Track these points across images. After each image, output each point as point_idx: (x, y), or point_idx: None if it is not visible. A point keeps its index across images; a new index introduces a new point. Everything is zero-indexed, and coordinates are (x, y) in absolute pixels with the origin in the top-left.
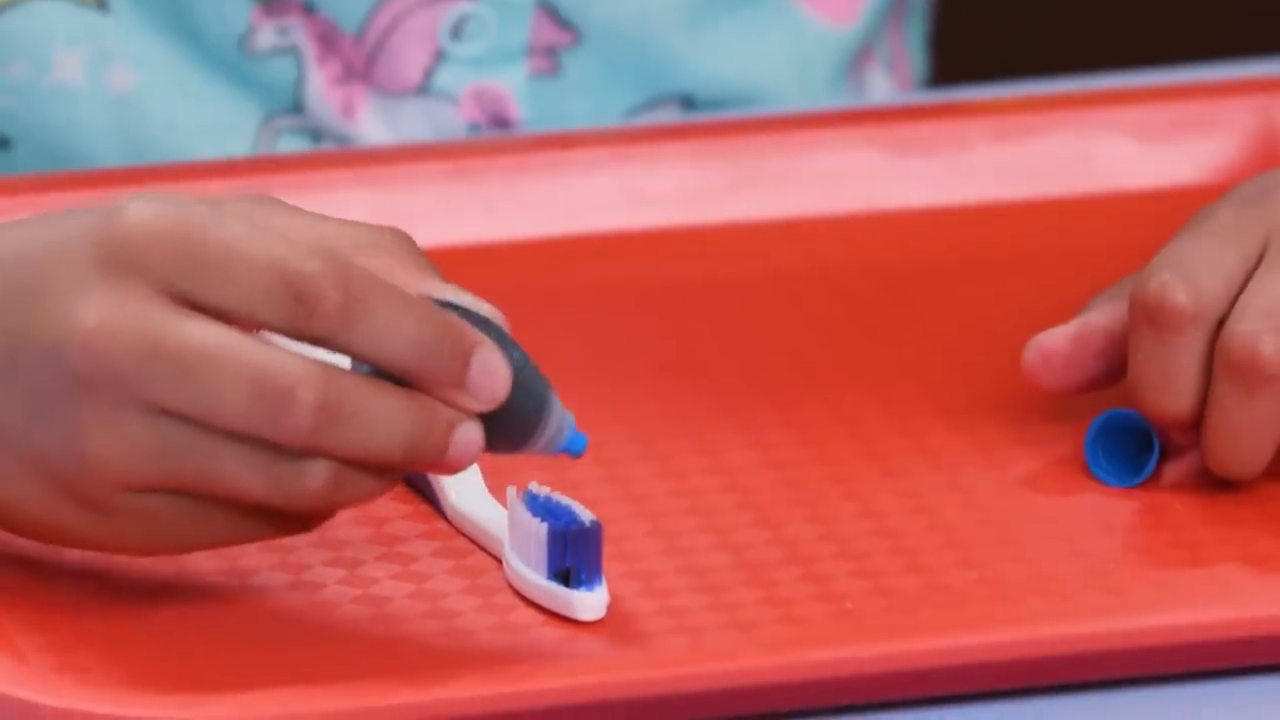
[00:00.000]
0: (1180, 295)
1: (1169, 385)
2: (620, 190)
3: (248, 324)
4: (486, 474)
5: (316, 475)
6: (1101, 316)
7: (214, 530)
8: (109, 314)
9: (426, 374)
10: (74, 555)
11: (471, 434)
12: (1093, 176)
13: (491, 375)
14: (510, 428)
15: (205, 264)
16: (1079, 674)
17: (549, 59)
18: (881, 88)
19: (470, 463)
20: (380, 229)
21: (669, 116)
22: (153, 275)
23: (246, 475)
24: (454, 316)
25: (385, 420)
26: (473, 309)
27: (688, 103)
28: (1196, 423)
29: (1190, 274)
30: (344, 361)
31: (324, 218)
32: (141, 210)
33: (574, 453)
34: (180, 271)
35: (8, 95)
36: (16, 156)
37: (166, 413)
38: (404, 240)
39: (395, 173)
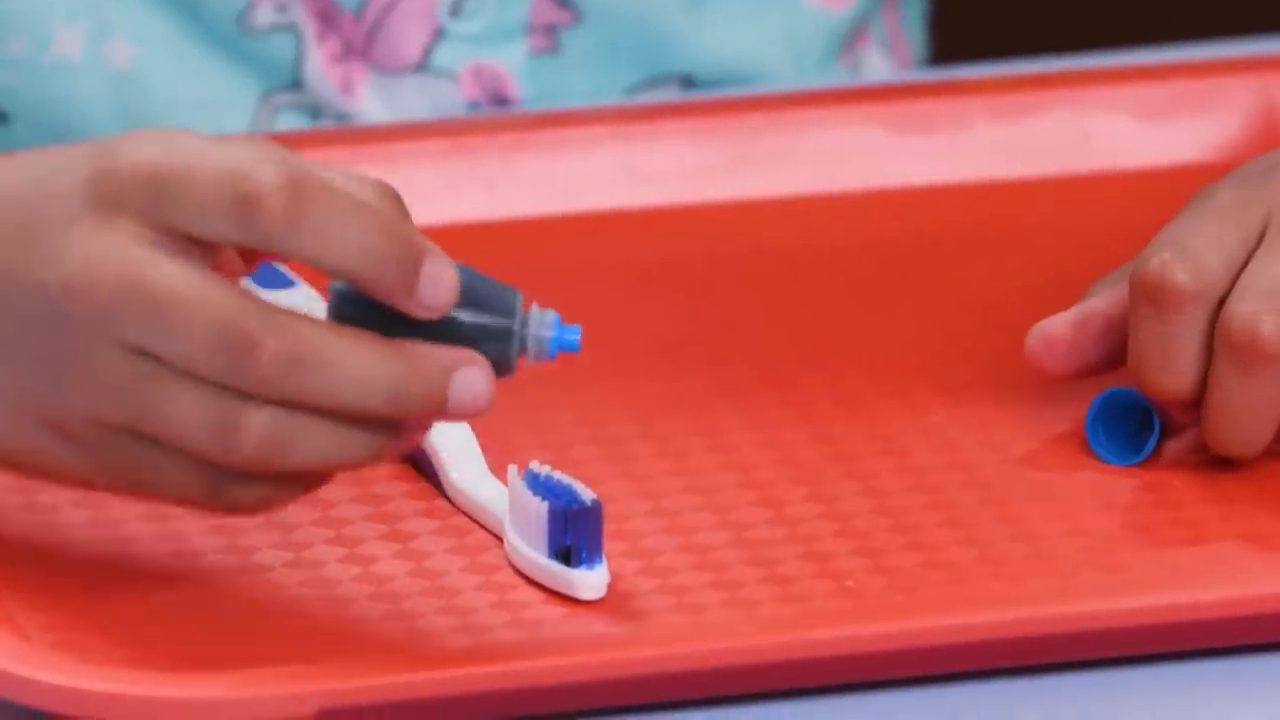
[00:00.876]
0: (1180, 274)
1: (1170, 364)
2: (619, 168)
3: (209, 240)
4: (487, 452)
5: (254, 427)
6: (1102, 302)
7: (163, 482)
8: (92, 252)
9: (375, 280)
10: (76, 536)
11: (473, 379)
12: (1091, 155)
13: (438, 282)
14: (489, 337)
15: (171, 185)
16: (1079, 652)
17: (548, 37)
18: (879, 67)
19: (482, 406)
20: (363, 180)
21: (667, 96)
22: (134, 209)
23: (191, 417)
24: (405, 224)
25: (361, 369)
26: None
27: (686, 82)
28: (1197, 401)
29: (1191, 253)
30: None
31: (316, 164)
32: (134, 148)
33: (570, 347)
34: (154, 199)
35: (7, 71)
36: (15, 132)
37: (140, 352)
38: (386, 194)
39: (394, 150)
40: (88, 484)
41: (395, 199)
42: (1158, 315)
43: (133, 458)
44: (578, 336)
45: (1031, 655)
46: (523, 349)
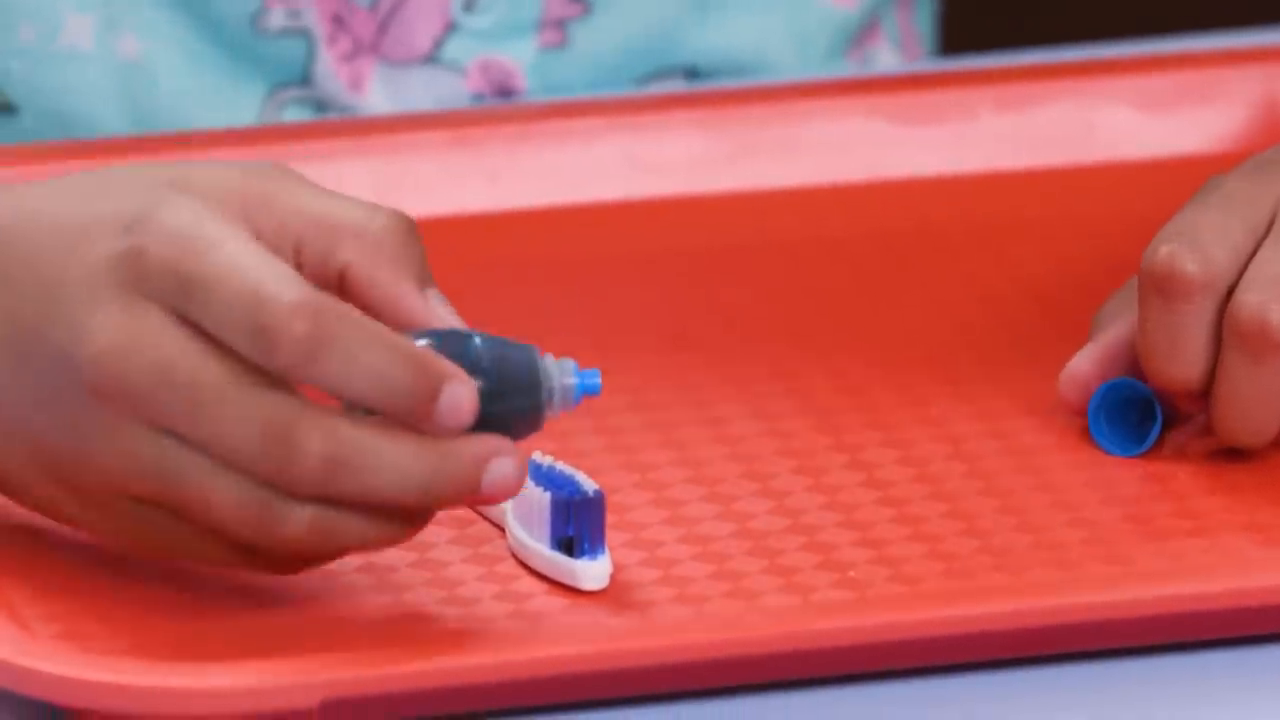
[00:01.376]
0: (1189, 264)
1: (1177, 354)
2: (623, 159)
3: (230, 348)
4: None
5: (297, 522)
6: (1120, 329)
7: (194, 552)
8: (123, 334)
9: (392, 408)
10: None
11: (504, 468)
12: (1095, 146)
13: (457, 410)
14: (517, 416)
15: (192, 285)
16: (1081, 644)
17: (558, 31)
18: (889, 65)
19: (513, 491)
20: (374, 213)
21: (672, 89)
22: (158, 295)
23: (232, 507)
24: (423, 350)
25: (398, 468)
26: (448, 327)
27: (691, 75)
28: (1204, 391)
29: (1199, 243)
30: None
31: (331, 195)
32: (160, 229)
33: (593, 392)
34: (174, 291)
35: (15, 59)
36: (22, 122)
37: (172, 433)
38: (398, 229)
39: (397, 142)
40: (92, 533)
41: (406, 231)
42: (1166, 305)
43: (156, 526)
44: (598, 380)
45: (1034, 647)
46: (549, 403)
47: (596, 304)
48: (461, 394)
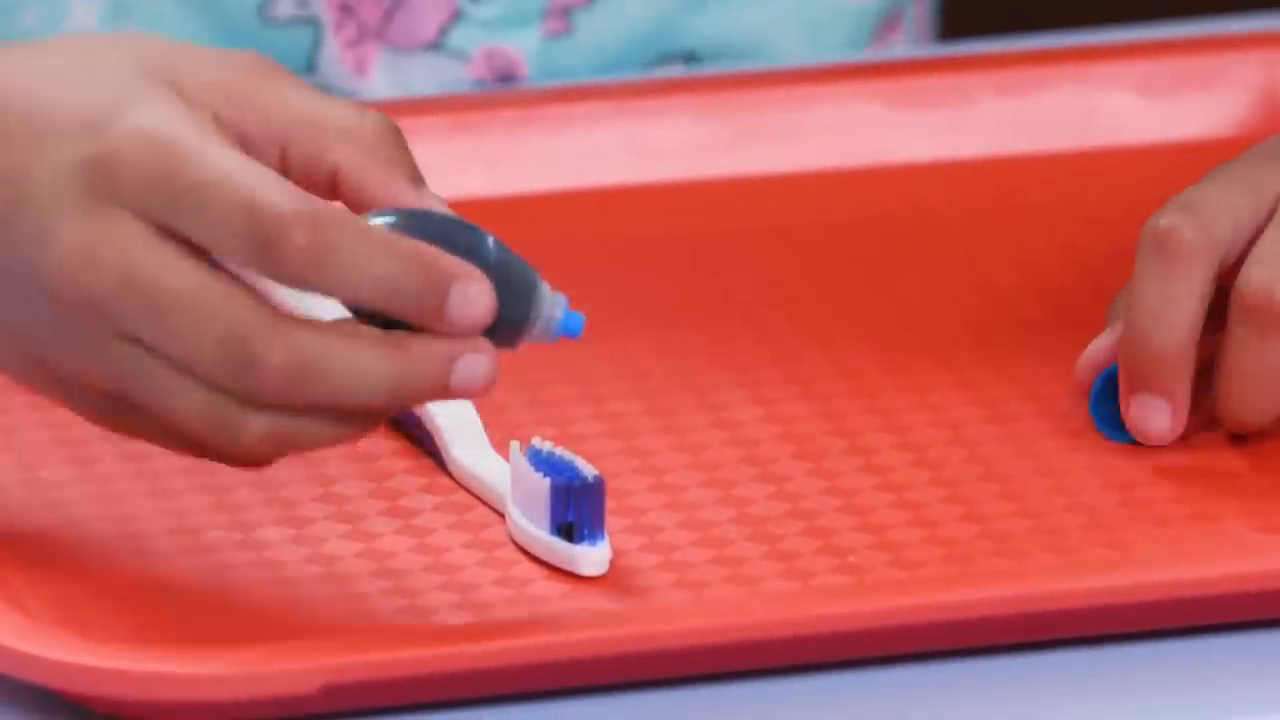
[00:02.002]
0: (1188, 230)
1: (1165, 317)
2: (623, 144)
3: (221, 256)
4: (489, 428)
5: (252, 431)
6: None
7: (166, 443)
8: (87, 241)
9: (402, 311)
10: (82, 513)
11: (475, 365)
12: (1096, 131)
13: (472, 305)
14: (503, 325)
15: (182, 197)
16: (1080, 629)
17: (563, 19)
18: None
19: (483, 390)
20: (362, 114)
21: (672, 74)
22: (134, 203)
23: (190, 419)
24: (428, 249)
25: (362, 373)
26: (447, 214)
27: (692, 60)
28: (1180, 364)
29: (1201, 213)
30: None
31: (318, 94)
32: (131, 135)
33: (572, 333)
34: (159, 203)
35: (19, 40)
36: None
37: (137, 341)
38: (387, 130)
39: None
40: (67, 406)
41: (394, 131)
42: (1161, 267)
43: (125, 418)
44: (580, 324)
45: (1033, 632)
46: (532, 325)
47: (596, 289)
48: (473, 291)
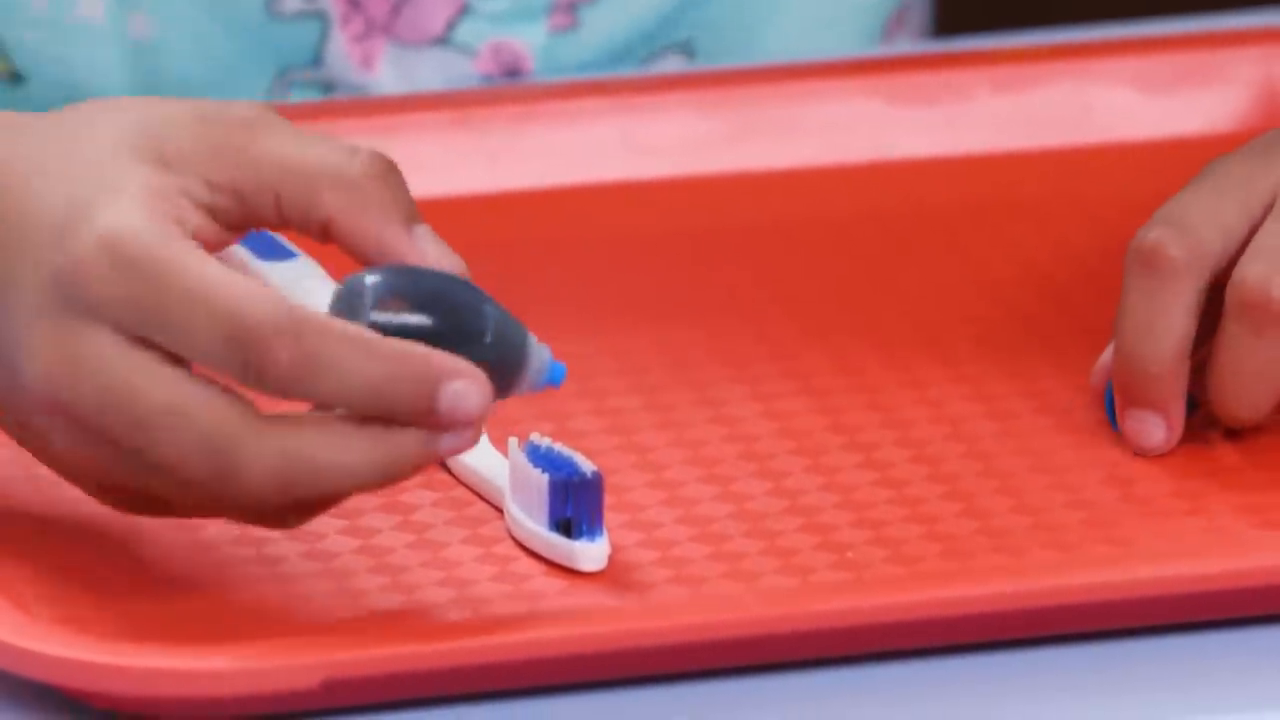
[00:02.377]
0: (1174, 248)
1: (1152, 330)
2: (623, 140)
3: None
4: (488, 424)
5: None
6: None
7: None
8: (63, 357)
9: (392, 415)
10: (80, 510)
11: (465, 392)
12: (1093, 127)
13: (464, 400)
14: (495, 383)
15: (160, 313)
16: (1080, 624)
17: (569, 14)
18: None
19: (472, 419)
20: (352, 156)
21: (672, 69)
22: (107, 316)
23: (192, 510)
24: (415, 350)
25: (349, 466)
26: (439, 266)
27: (696, 53)
28: (1171, 380)
29: (1187, 226)
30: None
31: (307, 139)
32: (97, 244)
33: (555, 383)
34: (132, 317)
35: (28, 28)
36: (31, 91)
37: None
38: (376, 169)
39: (399, 122)
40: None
41: (387, 171)
42: (1149, 285)
43: (137, 504)
44: (563, 375)
45: (1032, 627)
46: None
47: (595, 285)
48: (462, 387)
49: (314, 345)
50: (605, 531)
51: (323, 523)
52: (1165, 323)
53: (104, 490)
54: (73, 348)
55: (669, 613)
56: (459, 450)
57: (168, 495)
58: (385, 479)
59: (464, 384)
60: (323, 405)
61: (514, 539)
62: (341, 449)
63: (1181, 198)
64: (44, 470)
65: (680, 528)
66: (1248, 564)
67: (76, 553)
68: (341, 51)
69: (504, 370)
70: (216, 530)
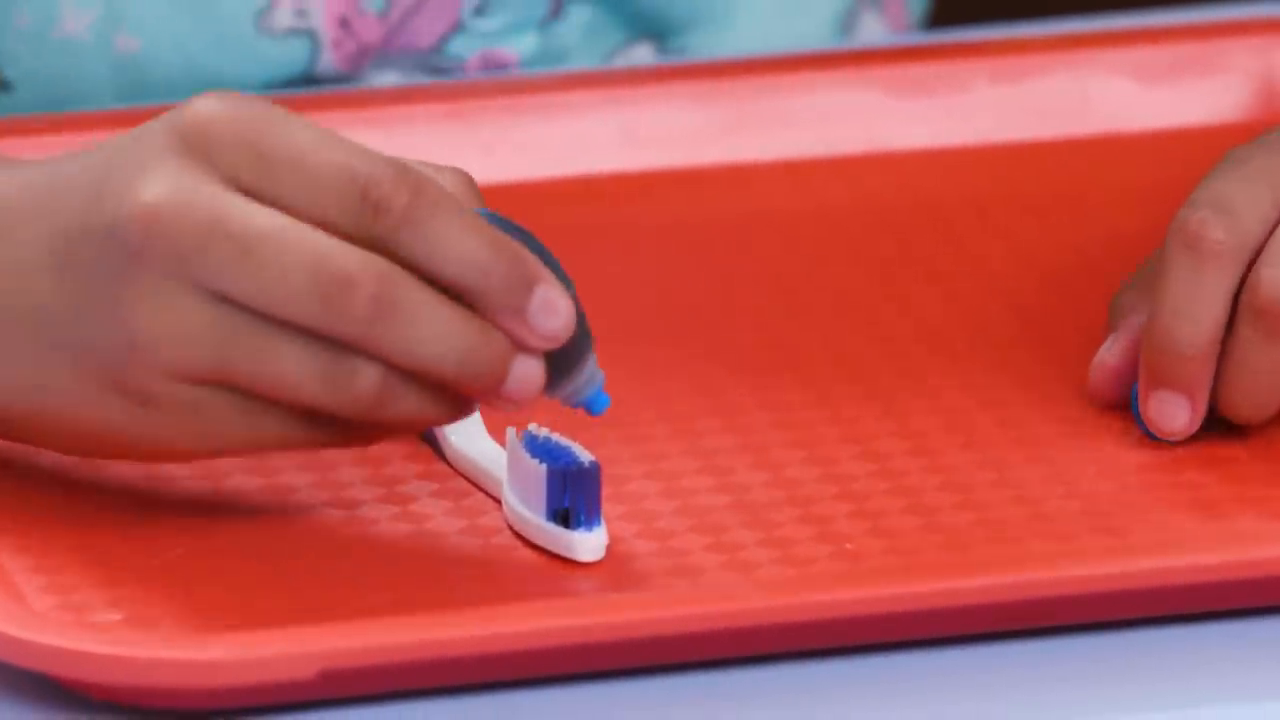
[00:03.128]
0: (1219, 232)
1: (1191, 312)
2: (617, 132)
3: (312, 221)
4: (485, 415)
5: (368, 376)
6: (1144, 317)
7: (256, 430)
8: (174, 190)
9: (487, 295)
10: (77, 499)
11: (532, 369)
12: (1091, 117)
13: (553, 312)
14: (550, 367)
15: (275, 159)
16: (1078, 616)
17: (555, 11)
18: (873, 29)
19: (529, 399)
20: (439, 167)
21: (648, 55)
22: (221, 162)
23: (298, 367)
24: (522, 247)
25: (441, 328)
26: (542, 247)
27: (661, 36)
28: (1203, 364)
29: (1232, 212)
30: None
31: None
32: (214, 103)
33: (593, 410)
34: (249, 163)
35: (14, 40)
36: (18, 101)
37: (224, 298)
38: (461, 186)
39: (391, 114)
40: (136, 444)
41: (470, 185)
42: (1192, 265)
43: (215, 412)
44: (605, 407)
45: (1029, 618)
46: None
47: (590, 276)
48: (559, 299)
49: (431, 201)
50: (603, 522)
51: (319, 513)
52: (1204, 305)
53: (190, 409)
54: (184, 182)
55: (667, 603)
56: (524, 388)
57: (274, 364)
58: (463, 364)
59: (556, 295)
60: (423, 265)
61: (512, 529)
62: (443, 308)
63: (1218, 183)
64: (43, 458)
65: (678, 518)
66: (1246, 555)
67: (74, 543)
68: (330, 68)
69: (561, 362)
70: (215, 520)
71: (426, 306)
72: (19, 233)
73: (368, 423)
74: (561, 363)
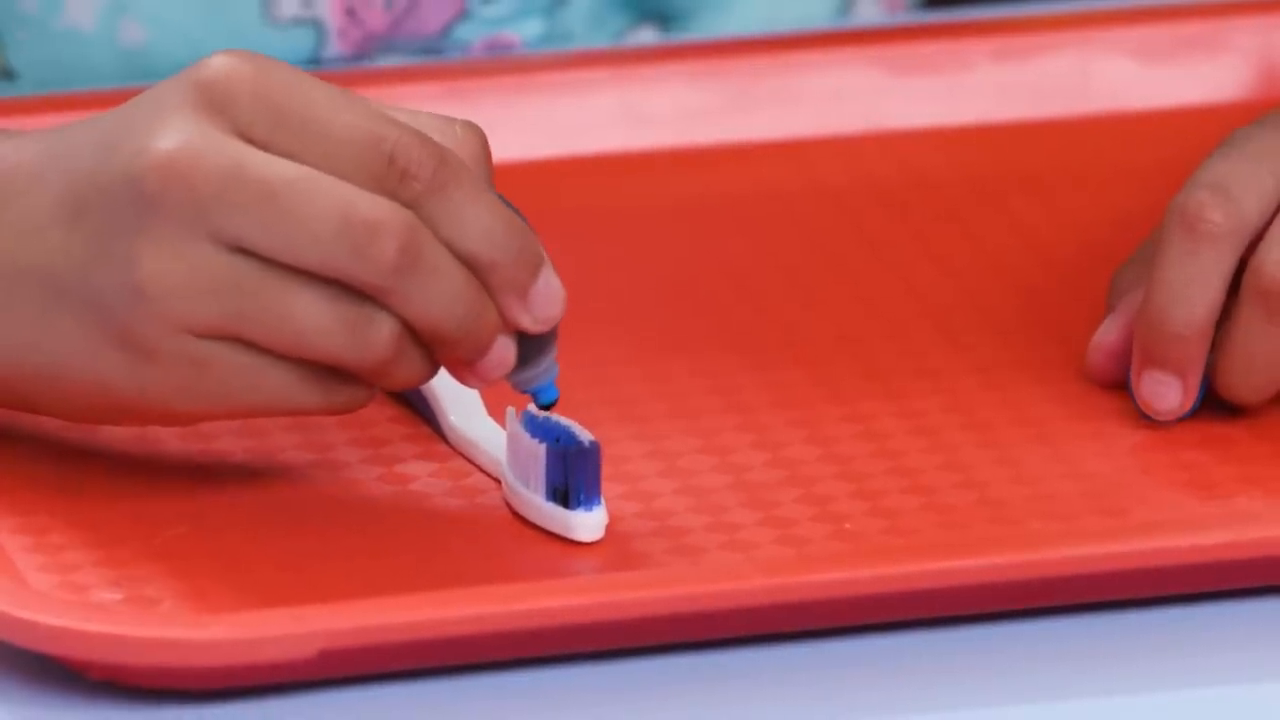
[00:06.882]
0: (1218, 214)
1: (1187, 294)
2: (619, 111)
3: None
4: (485, 394)
5: (386, 327)
6: (1142, 295)
7: (262, 388)
8: (192, 137)
9: (498, 270)
10: (77, 479)
11: (508, 348)
12: (1092, 96)
13: (553, 297)
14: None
15: (293, 115)
16: (1079, 595)
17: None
18: (869, 10)
19: (496, 378)
20: (450, 120)
21: (668, 40)
22: (239, 117)
23: (316, 318)
24: (532, 230)
25: (456, 288)
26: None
27: (664, 20)
28: (1198, 345)
29: (1230, 193)
30: None
31: (394, 106)
32: (231, 59)
33: (541, 400)
34: (267, 118)
35: (19, 27)
36: (23, 88)
37: (239, 248)
38: (473, 139)
39: (393, 94)
40: (138, 403)
41: (482, 140)
42: (1188, 247)
43: (226, 367)
44: (553, 399)
45: (1031, 599)
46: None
47: (592, 255)
48: (556, 283)
49: (454, 172)
50: (603, 501)
51: (320, 493)
52: (1200, 287)
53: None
54: (202, 131)
55: (666, 583)
56: (494, 364)
57: (292, 311)
58: (462, 326)
59: (556, 280)
60: (442, 233)
61: (511, 509)
62: (457, 266)
63: (1219, 164)
64: (42, 433)
65: (678, 498)
66: (1246, 535)
67: (74, 523)
68: (337, 58)
69: (528, 349)
70: (214, 500)
71: (446, 263)
72: (30, 194)
73: (369, 380)
74: (528, 350)
